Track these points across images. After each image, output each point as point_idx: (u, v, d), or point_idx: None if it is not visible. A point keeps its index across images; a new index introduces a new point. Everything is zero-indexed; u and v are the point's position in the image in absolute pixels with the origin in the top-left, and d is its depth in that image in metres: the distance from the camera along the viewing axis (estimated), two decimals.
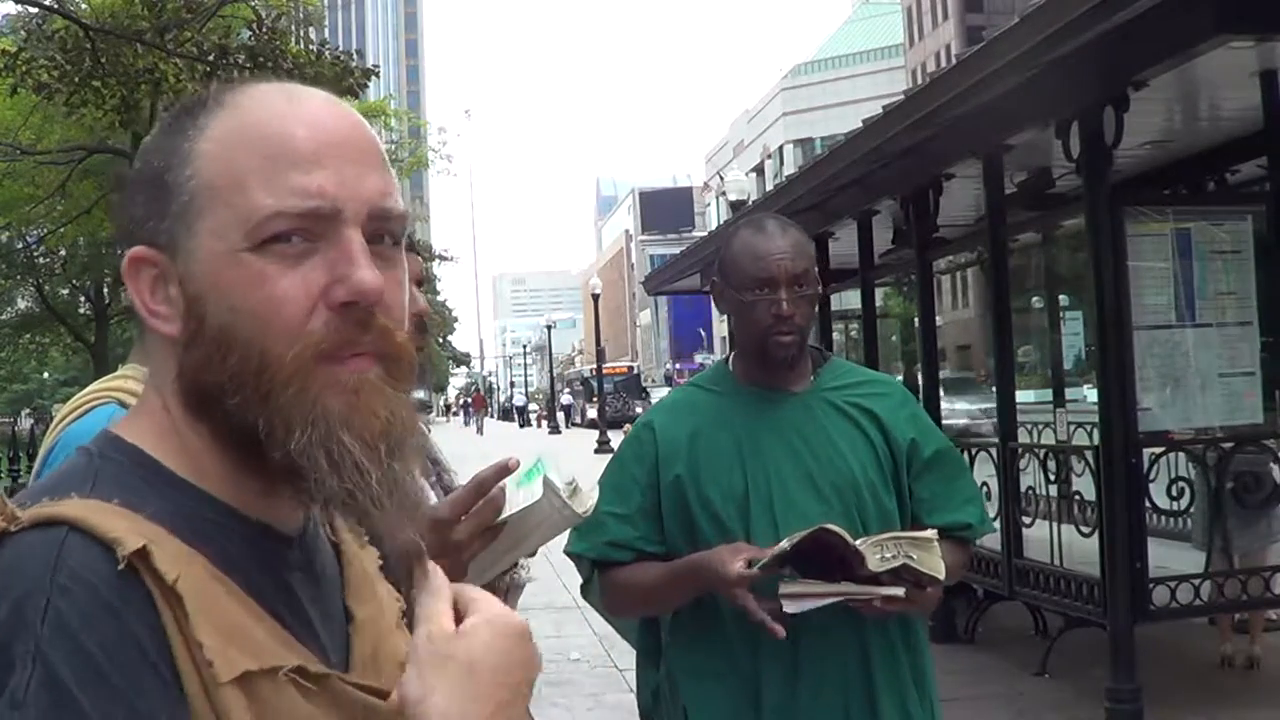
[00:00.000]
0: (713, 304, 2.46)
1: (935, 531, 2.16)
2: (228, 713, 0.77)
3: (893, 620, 2.23)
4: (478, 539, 1.39)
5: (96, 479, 0.83)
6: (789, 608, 2.07)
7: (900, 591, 2.09)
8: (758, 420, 2.32)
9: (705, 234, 14.34)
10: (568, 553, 2.38)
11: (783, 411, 2.32)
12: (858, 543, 2.07)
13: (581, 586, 2.50)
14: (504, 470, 1.40)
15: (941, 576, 2.11)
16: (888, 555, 2.06)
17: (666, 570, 2.27)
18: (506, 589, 1.97)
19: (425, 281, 1.99)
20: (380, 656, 0.92)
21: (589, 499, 1.46)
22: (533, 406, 79.45)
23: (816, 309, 2.44)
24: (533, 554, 1.58)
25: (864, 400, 2.35)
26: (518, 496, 1.42)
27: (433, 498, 1.96)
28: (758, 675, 2.22)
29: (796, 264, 2.27)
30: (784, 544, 2.07)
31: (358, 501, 0.85)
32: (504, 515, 1.40)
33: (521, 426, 62.82)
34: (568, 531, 1.91)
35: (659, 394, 66.07)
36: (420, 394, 2.18)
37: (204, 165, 0.86)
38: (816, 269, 2.37)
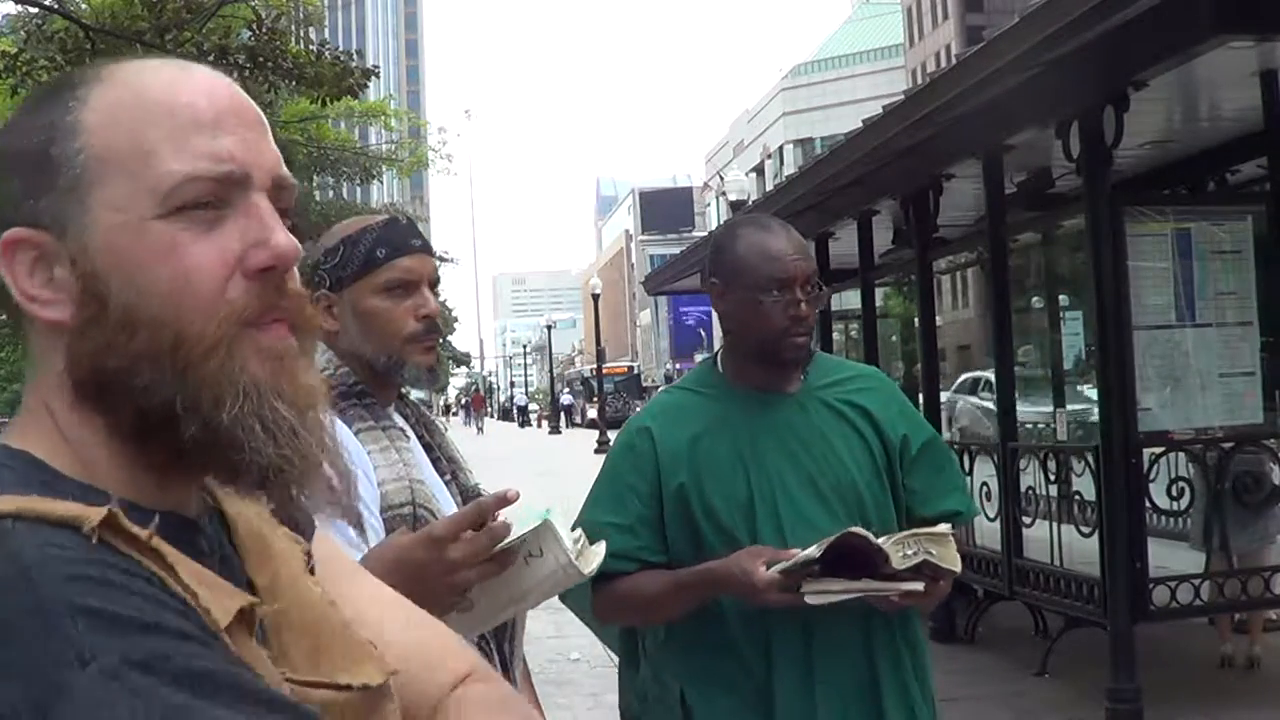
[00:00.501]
0: (711, 303, 2.39)
1: (949, 526, 2.20)
2: (218, 641, 0.75)
3: (895, 618, 2.24)
4: (473, 567, 1.35)
5: None
6: (811, 601, 2.09)
7: (920, 586, 2.11)
8: (756, 424, 2.29)
9: (705, 234, 14.34)
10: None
11: (780, 414, 2.30)
12: (880, 541, 2.10)
13: (568, 603, 2.38)
14: (503, 500, 1.35)
15: (958, 569, 2.16)
16: (909, 552, 2.11)
17: (675, 579, 2.23)
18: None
19: (435, 283, 1.99)
20: (285, 622, 0.87)
21: (595, 558, 1.42)
22: (533, 406, 79.47)
23: None
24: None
25: (855, 397, 2.35)
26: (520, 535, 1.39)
27: (447, 496, 1.96)
28: (770, 677, 2.20)
29: (808, 264, 2.28)
30: (812, 550, 2.08)
31: (291, 470, 0.83)
32: (503, 545, 1.35)
33: (522, 426, 62.86)
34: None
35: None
36: (420, 393, 2.17)
37: (95, 137, 0.81)
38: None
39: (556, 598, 1.82)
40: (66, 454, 0.81)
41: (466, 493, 1.97)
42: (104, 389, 0.81)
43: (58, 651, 0.67)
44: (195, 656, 0.70)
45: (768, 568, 2.10)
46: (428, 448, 2.03)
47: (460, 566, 1.29)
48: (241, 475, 0.83)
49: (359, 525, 1.21)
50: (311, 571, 0.94)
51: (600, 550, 1.45)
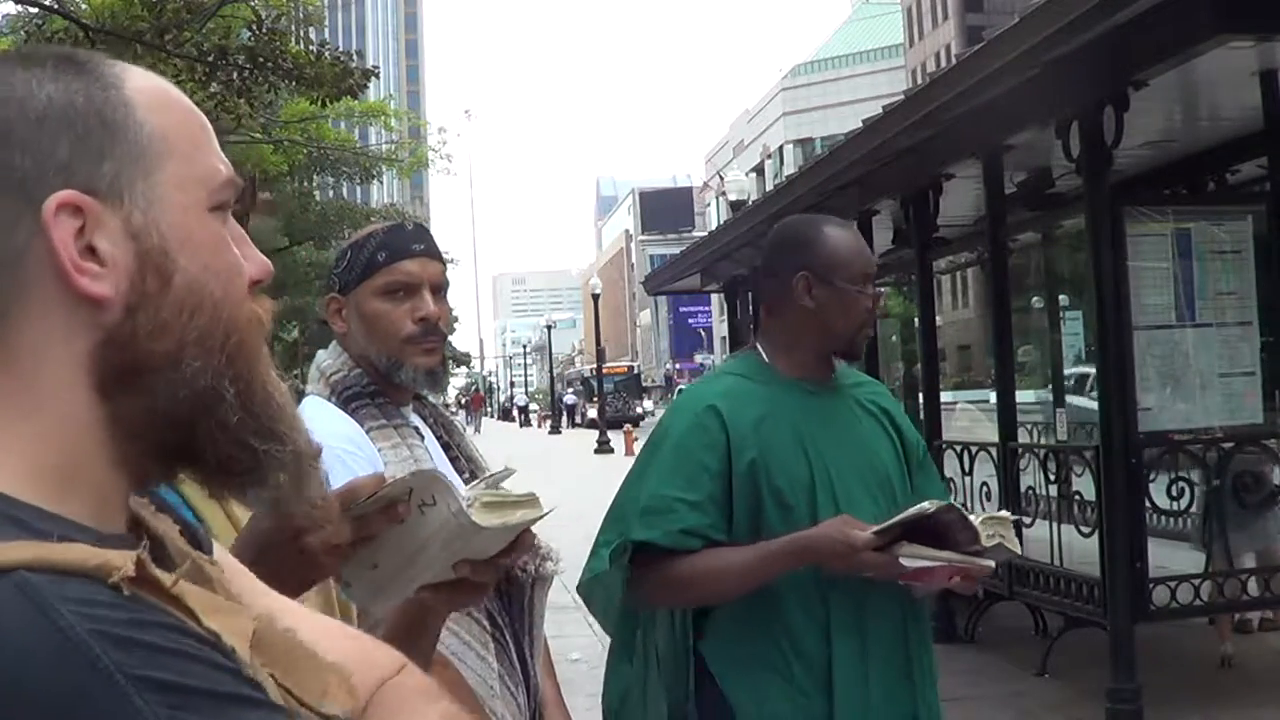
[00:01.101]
0: (791, 296, 2.37)
1: (1011, 514, 2.40)
2: (263, 687, 0.71)
3: (912, 609, 2.35)
4: (333, 526, 1.24)
5: None
6: (906, 563, 2.17)
7: (993, 565, 2.25)
8: (810, 413, 2.37)
9: (705, 234, 14.35)
10: (634, 539, 2.28)
11: (827, 404, 2.40)
12: (971, 518, 2.23)
13: (586, 582, 2.39)
14: (379, 480, 1.29)
15: (1019, 552, 2.34)
16: (989, 534, 2.22)
17: (762, 550, 2.24)
18: (533, 580, 1.96)
19: (440, 288, 2.03)
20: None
21: (514, 514, 1.23)
22: (533, 406, 79.49)
23: None
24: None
25: (877, 399, 2.49)
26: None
27: (463, 490, 1.95)
28: (829, 654, 2.25)
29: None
30: (925, 505, 2.16)
31: (301, 463, 0.82)
32: (384, 494, 1.25)
33: (522, 426, 62.92)
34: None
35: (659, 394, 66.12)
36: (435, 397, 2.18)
37: (149, 115, 0.78)
38: None
39: (571, 599, 1.80)
40: (30, 465, 0.72)
41: (478, 473, 2.00)
42: (140, 374, 0.75)
43: None
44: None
45: None
46: (446, 447, 2.07)
47: (307, 529, 1.21)
48: (262, 467, 0.80)
49: None
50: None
51: (534, 509, 1.30)
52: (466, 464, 2.06)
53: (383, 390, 1.97)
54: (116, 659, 0.61)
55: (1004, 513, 2.33)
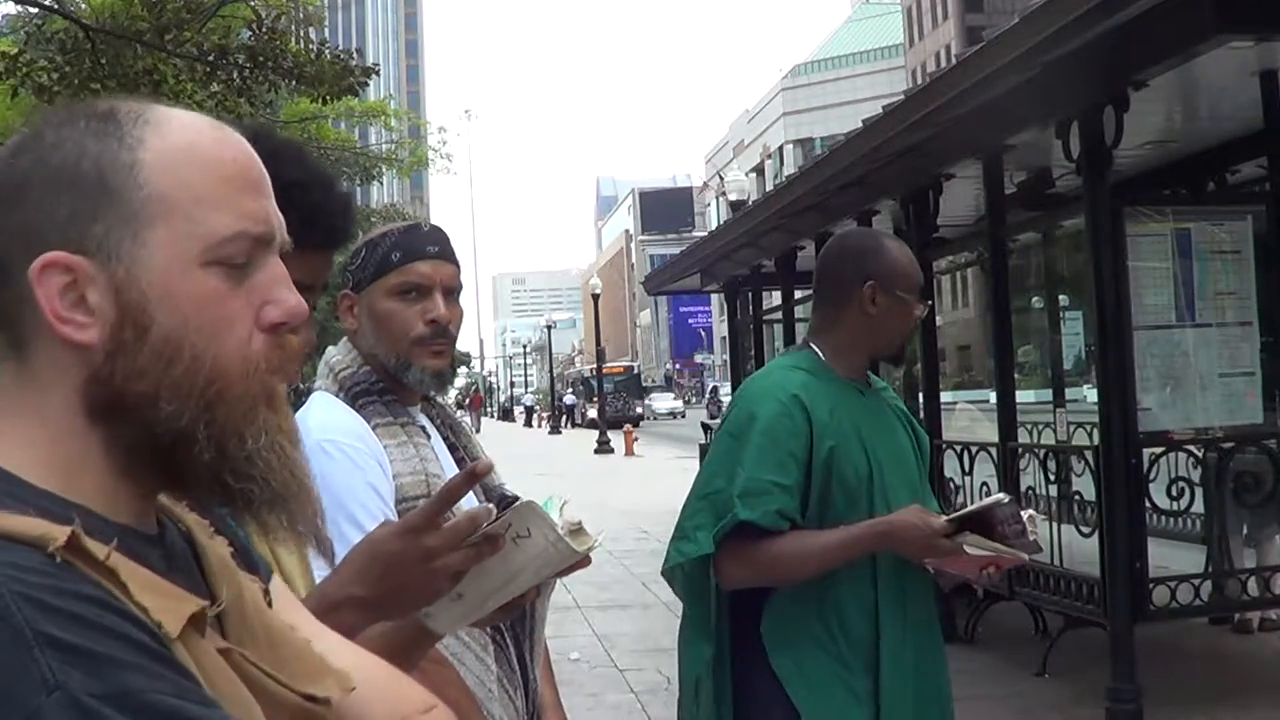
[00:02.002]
0: (855, 302, 2.57)
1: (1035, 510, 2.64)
2: (181, 664, 0.78)
3: (925, 598, 2.55)
4: (456, 552, 1.33)
5: None
6: (971, 551, 2.34)
7: (1027, 557, 2.44)
8: (861, 411, 2.55)
9: (705, 234, 14.34)
10: (741, 518, 2.42)
11: (872, 405, 2.60)
12: (1024, 514, 2.40)
13: (676, 565, 2.53)
14: (472, 476, 1.34)
15: (1042, 549, 2.66)
16: (1031, 528, 2.38)
17: (846, 533, 2.41)
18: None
19: (453, 290, 2.04)
20: (250, 636, 0.92)
21: (589, 540, 1.44)
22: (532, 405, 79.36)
23: None
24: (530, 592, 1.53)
25: (897, 403, 2.72)
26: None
27: (469, 494, 1.96)
28: (876, 631, 2.43)
29: None
30: (1000, 496, 2.43)
31: (291, 500, 0.90)
32: (486, 528, 1.33)
33: (526, 425, 62.92)
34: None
35: (658, 394, 66.02)
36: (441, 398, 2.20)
37: (154, 176, 0.86)
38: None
39: (579, 595, 1.83)
40: (44, 464, 0.83)
41: (490, 492, 1.99)
42: (121, 409, 0.85)
43: (32, 681, 0.69)
44: (158, 692, 0.73)
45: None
46: (452, 448, 2.08)
47: (438, 553, 1.27)
48: (239, 501, 0.89)
49: (330, 556, 1.21)
50: (269, 605, 0.99)
51: (593, 536, 1.47)
52: (470, 461, 2.06)
53: (390, 389, 1.98)
54: (28, 615, 0.71)
55: (1031, 510, 2.48)
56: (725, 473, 2.48)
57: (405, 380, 1.99)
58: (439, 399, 2.14)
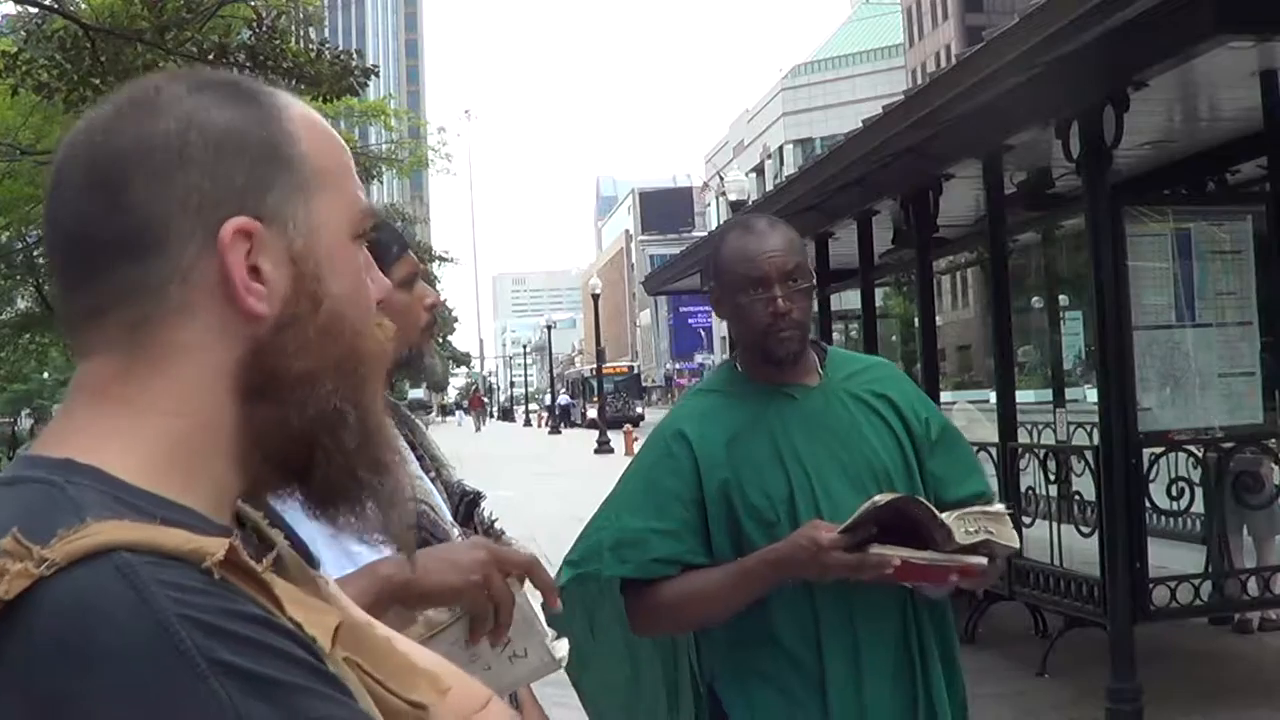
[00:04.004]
0: (712, 310, 2.43)
1: (1005, 506, 2.25)
2: (338, 680, 0.75)
3: (927, 610, 2.28)
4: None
5: (79, 508, 0.71)
6: (878, 559, 2.10)
7: (984, 561, 2.15)
8: (786, 418, 2.31)
9: (705, 234, 14.35)
10: (606, 574, 2.29)
11: (807, 406, 2.33)
12: (943, 516, 2.12)
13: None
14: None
15: (1016, 547, 2.21)
16: (970, 529, 2.13)
17: (732, 570, 2.22)
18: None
19: (426, 278, 2.06)
20: (353, 641, 0.88)
21: (561, 647, 1.47)
22: (532, 406, 79.42)
23: (814, 304, 2.45)
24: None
25: (875, 386, 2.39)
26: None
27: (434, 490, 1.97)
28: (820, 666, 2.22)
29: (788, 260, 2.28)
30: (876, 498, 2.10)
31: (391, 498, 0.87)
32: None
33: (525, 425, 62.97)
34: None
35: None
36: (419, 392, 2.22)
37: (311, 146, 0.84)
38: (810, 263, 2.39)
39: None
40: (160, 459, 0.77)
41: (450, 488, 2.01)
42: (276, 389, 0.81)
43: (211, 715, 0.65)
44: (336, 716, 0.70)
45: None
46: (410, 446, 2.07)
47: (490, 594, 1.35)
48: (362, 494, 0.85)
49: (412, 553, 1.24)
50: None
51: (564, 643, 1.51)
52: (431, 463, 2.06)
53: None
54: (200, 644, 0.66)
55: (998, 506, 2.23)
56: (606, 519, 2.35)
57: (419, 369, 2.01)
58: (421, 394, 2.16)
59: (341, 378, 0.82)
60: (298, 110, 0.85)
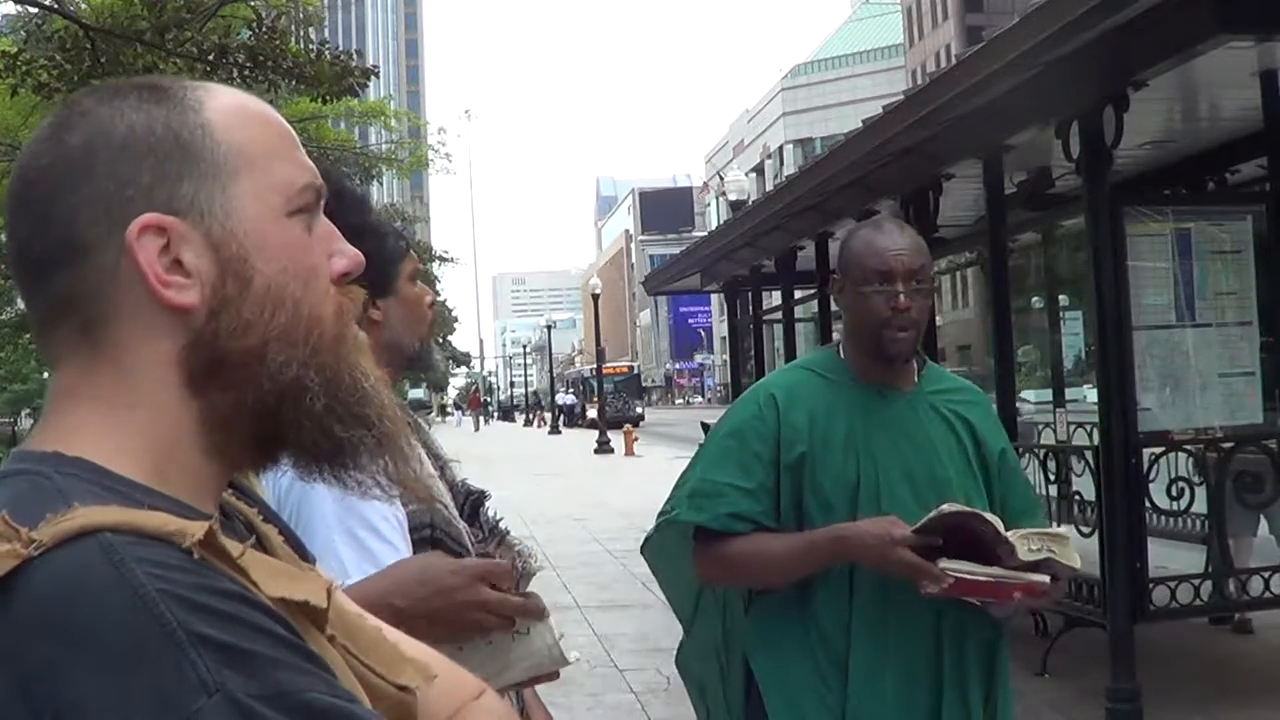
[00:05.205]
0: (832, 300, 2.56)
1: (1068, 529, 2.31)
2: (316, 655, 0.77)
3: (970, 616, 2.33)
4: (495, 616, 1.44)
5: (65, 495, 0.74)
6: (948, 572, 2.17)
7: (1047, 579, 2.20)
8: (870, 415, 2.41)
9: (705, 234, 14.35)
10: (681, 520, 2.42)
11: (892, 409, 2.43)
12: (1008, 534, 2.18)
13: (642, 549, 2.65)
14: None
15: (1078, 568, 2.27)
16: (1034, 548, 2.19)
17: (808, 538, 2.32)
18: (518, 579, 1.98)
19: (425, 278, 2.08)
20: (340, 625, 0.91)
21: (571, 651, 1.52)
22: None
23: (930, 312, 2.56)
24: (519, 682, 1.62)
25: (960, 408, 2.49)
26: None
27: (442, 488, 1.98)
28: (847, 649, 2.31)
29: (914, 260, 2.40)
30: (944, 508, 2.18)
31: (389, 442, 0.88)
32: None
33: (527, 425, 62.99)
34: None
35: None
36: (419, 392, 2.25)
37: (228, 134, 0.86)
38: (933, 269, 2.52)
39: (579, 595, 1.90)
40: (130, 449, 0.81)
41: (454, 487, 2.02)
42: (225, 370, 0.83)
43: (190, 683, 0.68)
44: (313, 690, 0.72)
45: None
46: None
47: (486, 607, 1.35)
48: (348, 450, 0.87)
49: (430, 503, 1.26)
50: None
51: (574, 654, 1.60)
52: (435, 462, 2.07)
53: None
54: (180, 617, 0.69)
55: (1061, 528, 2.34)
56: (691, 469, 2.50)
57: (430, 362, 2.05)
58: (421, 393, 2.20)
59: (291, 348, 0.84)
60: (221, 100, 0.88)
